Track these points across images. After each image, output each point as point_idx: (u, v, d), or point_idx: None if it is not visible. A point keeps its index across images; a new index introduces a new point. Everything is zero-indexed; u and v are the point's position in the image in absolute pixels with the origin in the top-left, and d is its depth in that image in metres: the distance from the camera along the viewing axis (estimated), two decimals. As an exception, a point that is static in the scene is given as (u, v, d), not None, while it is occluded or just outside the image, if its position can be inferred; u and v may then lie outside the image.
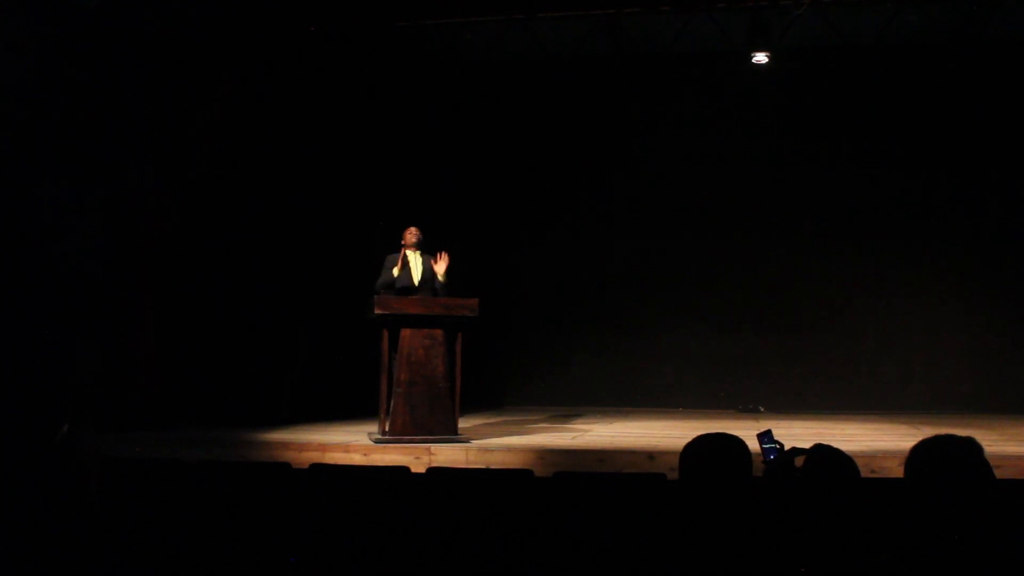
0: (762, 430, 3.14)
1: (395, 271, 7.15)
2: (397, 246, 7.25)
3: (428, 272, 7.22)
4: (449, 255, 7.25)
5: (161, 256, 7.96)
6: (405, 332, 6.69)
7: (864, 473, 2.93)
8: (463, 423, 7.08)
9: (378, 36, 9.39)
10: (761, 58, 9.44)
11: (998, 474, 2.48)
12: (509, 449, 6.31)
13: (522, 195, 10.87)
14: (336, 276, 9.01)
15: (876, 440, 6.84)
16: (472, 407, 8.42)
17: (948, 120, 10.11)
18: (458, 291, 7.17)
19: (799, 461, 2.86)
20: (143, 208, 7.90)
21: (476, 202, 10.64)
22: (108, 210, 7.69)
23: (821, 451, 2.83)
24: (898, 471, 5.53)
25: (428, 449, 6.19)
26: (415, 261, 7.23)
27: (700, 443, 2.66)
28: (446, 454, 6.13)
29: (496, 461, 6.01)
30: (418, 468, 4.79)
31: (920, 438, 2.53)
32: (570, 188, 10.84)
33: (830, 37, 9.47)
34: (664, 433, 7.52)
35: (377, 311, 6.65)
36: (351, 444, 6.47)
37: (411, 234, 7.26)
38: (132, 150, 7.81)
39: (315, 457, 6.02)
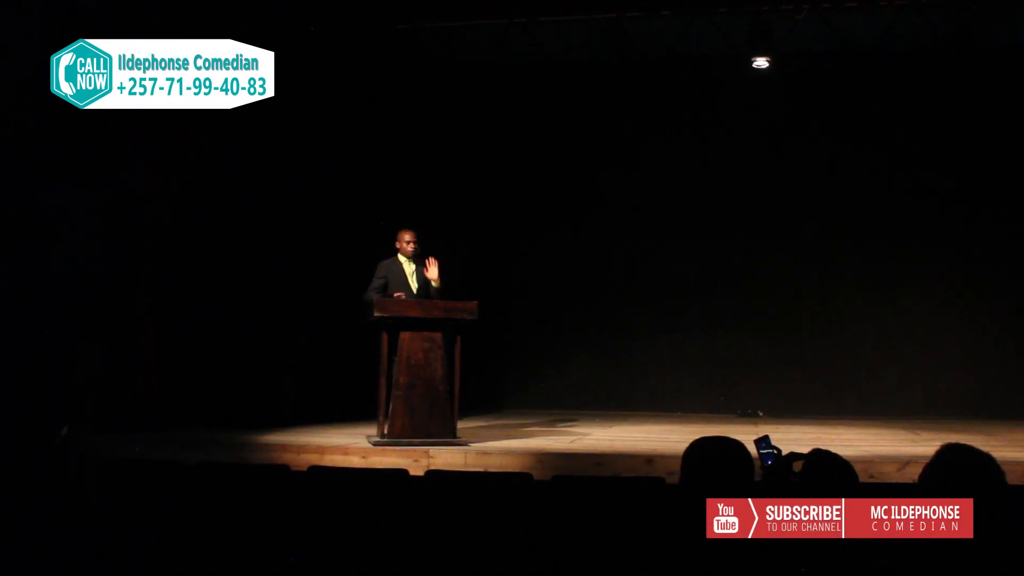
0: (759, 436, 3.14)
1: (387, 281, 7.04)
2: (392, 250, 7.23)
3: (423, 281, 7.17)
4: (437, 259, 7.13)
5: (161, 257, 7.97)
6: (404, 335, 6.68)
7: (862, 478, 2.93)
8: (462, 426, 7.07)
9: (379, 37, 9.39)
10: (762, 62, 9.43)
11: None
12: (508, 452, 6.30)
13: (521, 198, 10.85)
14: (336, 278, 9.00)
15: (874, 445, 6.81)
16: (471, 410, 8.42)
17: (949, 124, 10.09)
18: (457, 294, 7.16)
19: (797, 466, 2.86)
20: (143, 208, 7.90)
21: (476, 204, 10.63)
22: (108, 210, 7.69)
23: (819, 456, 2.83)
24: (896, 476, 5.55)
25: (427, 452, 6.18)
26: (410, 270, 7.18)
27: (701, 446, 2.66)
28: (444, 457, 6.11)
29: (495, 464, 6.00)
30: (416, 471, 4.79)
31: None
32: (569, 191, 10.82)
33: (831, 42, 9.48)
34: (662, 437, 7.52)
35: (376, 314, 6.65)
36: (350, 446, 6.47)
37: (407, 243, 7.17)
38: (132, 150, 7.81)
39: (314, 459, 6.01)
